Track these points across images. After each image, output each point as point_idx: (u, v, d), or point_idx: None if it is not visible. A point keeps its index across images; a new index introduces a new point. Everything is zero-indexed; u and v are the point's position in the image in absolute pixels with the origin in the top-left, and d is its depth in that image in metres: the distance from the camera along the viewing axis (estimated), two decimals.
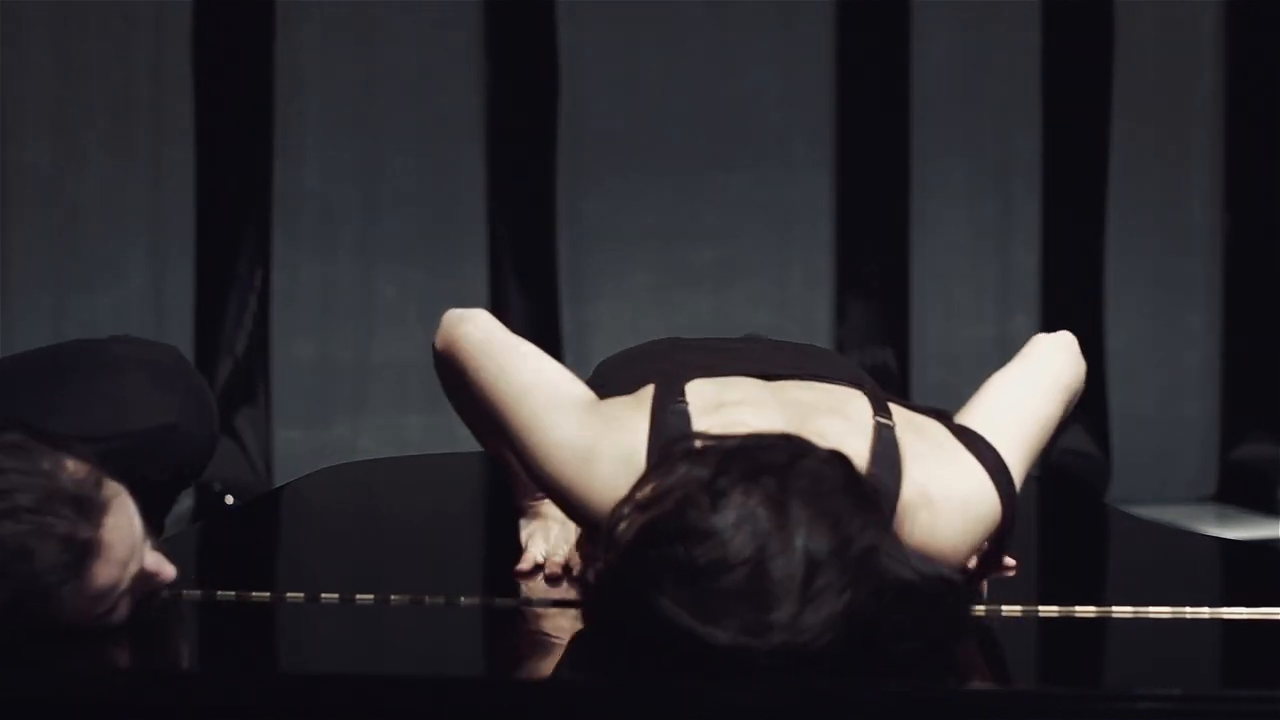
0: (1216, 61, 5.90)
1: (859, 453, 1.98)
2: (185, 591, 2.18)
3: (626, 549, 1.76)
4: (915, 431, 2.08)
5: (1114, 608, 2.05)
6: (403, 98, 5.73)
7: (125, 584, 1.88)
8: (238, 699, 1.77)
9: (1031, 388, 2.25)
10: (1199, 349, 5.95)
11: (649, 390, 2.11)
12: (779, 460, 1.78)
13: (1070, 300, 5.89)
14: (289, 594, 2.19)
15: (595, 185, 5.77)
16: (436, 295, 5.75)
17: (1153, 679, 1.72)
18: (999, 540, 2.06)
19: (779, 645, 1.70)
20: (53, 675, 1.80)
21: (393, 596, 2.12)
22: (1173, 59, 5.91)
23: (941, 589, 1.80)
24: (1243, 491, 5.86)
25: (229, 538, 2.87)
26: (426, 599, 2.12)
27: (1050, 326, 5.78)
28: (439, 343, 2.28)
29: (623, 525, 1.78)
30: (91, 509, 1.83)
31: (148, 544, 1.92)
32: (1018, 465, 2.09)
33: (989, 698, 1.70)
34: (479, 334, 2.23)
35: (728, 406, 2.08)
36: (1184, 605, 2.08)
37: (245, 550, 2.73)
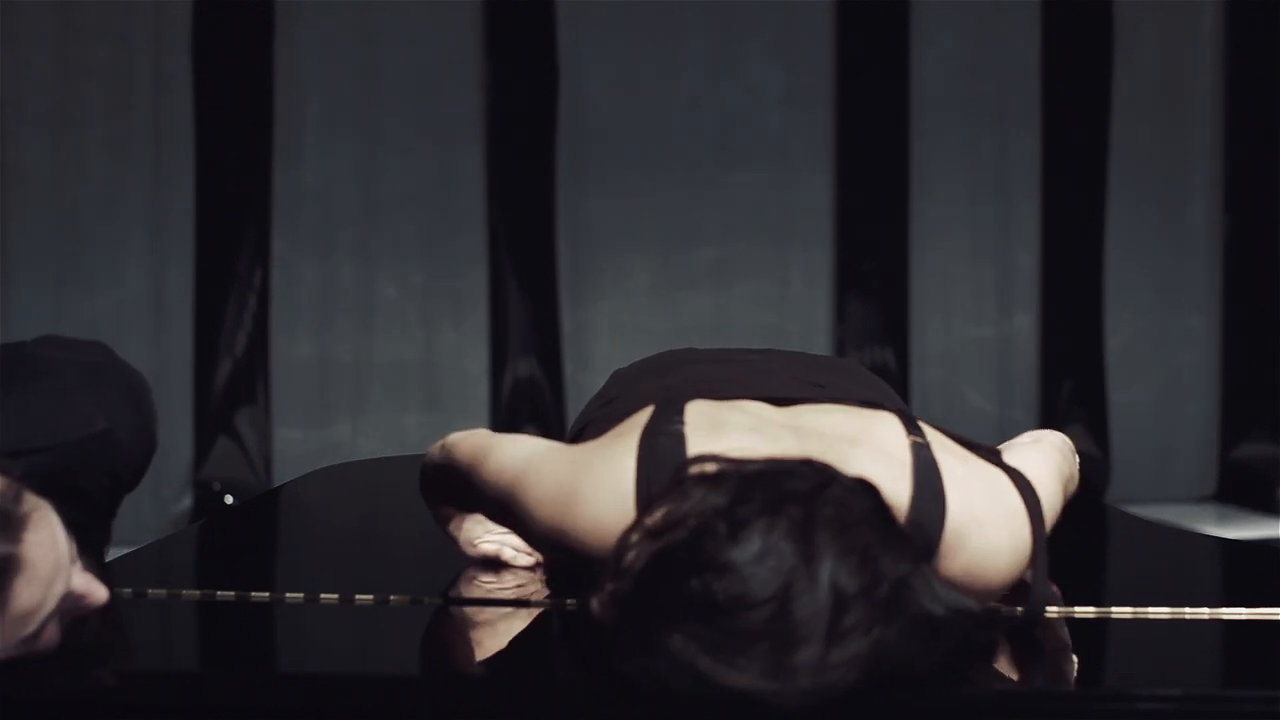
0: (1216, 61, 5.90)
1: (898, 478, 1.91)
2: (184, 591, 2.18)
3: (636, 579, 1.64)
4: (948, 451, 1.99)
5: (1113, 608, 2.05)
6: (402, 98, 5.73)
7: (50, 606, 1.74)
8: (237, 700, 1.77)
9: (1042, 457, 2.11)
10: (1198, 349, 5.95)
11: (645, 413, 2.01)
12: (803, 488, 1.66)
13: (1070, 300, 5.90)
14: (289, 594, 2.19)
15: (595, 186, 5.77)
16: (436, 295, 5.76)
17: (1152, 679, 1.71)
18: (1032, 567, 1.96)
19: (803, 689, 1.59)
20: (47, 677, 1.80)
21: (392, 597, 2.12)
22: (1172, 59, 5.91)
23: (971, 624, 1.72)
24: (1242, 491, 5.87)
25: (228, 538, 2.87)
26: (425, 599, 2.12)
27: (1050, 327, 5.84)
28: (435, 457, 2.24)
29: (631, 554, 1.66)
30: (9, 524, 1.70)
31: (76, 564, 1.79)
32: (1045, 498, 2.00)
33: (988, 698, 1.70)
34: (471, 438, 2.17)
35: (730, 430, 1.97)
36: (1183, 605, 2.08)
37: (244, 550, 2.73)
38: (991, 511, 1.93)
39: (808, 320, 5.84)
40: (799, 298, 5.88)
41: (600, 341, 5.71)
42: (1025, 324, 5.89)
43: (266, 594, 2.18)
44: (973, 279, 5.91)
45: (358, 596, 2.13)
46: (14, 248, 5.55)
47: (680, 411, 2.00)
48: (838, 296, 5.88)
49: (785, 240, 5.87)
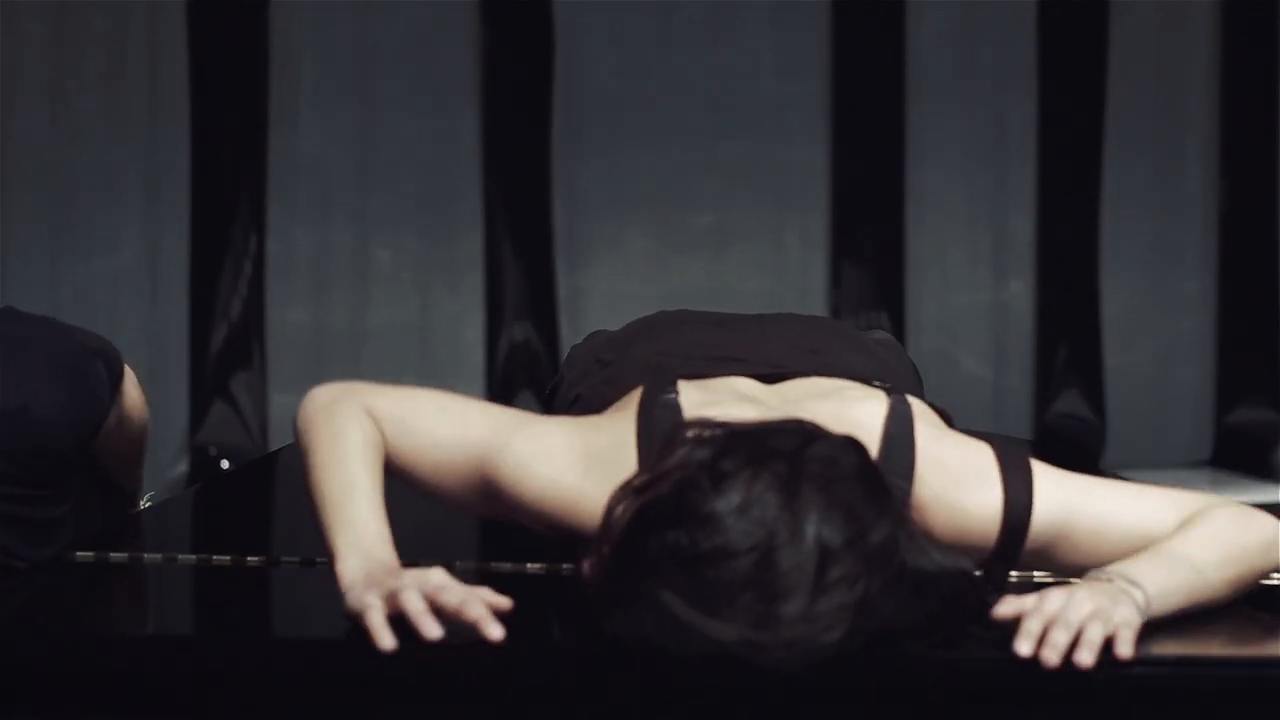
0: (1212, 28, 5.89)
1: (869, 432, 1.91)
2: (180, 556, 2.19)
3: (621, 537, 1.66)
4: (927, 421, 2.00)
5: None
6: (398, 64, 5.71)
7: None
8: (232, 664, 1.77)
9: (1132, 493, 2.00)
10: (1194, 315, 5.95)
11: (636, 394, 2.02)
12: (788, 444, 1.67)
13: (1066, 267, 5.90)
14: (284, 558, 2.19)
15: (591, 152, 5.76)
16: (432, 261, 5.76)
17: (1148, 644, 1.72)
18: (996, 563, 1.95)
19: (789, 641, 1.60)
20: (46, 640, 1.80)
21: None
22: (1169, 26, 5.89)
23: (962, 582, 1.73)
24: (1238, 456, 5.87)
25: (224, 502, 2.87)
26: (420, 563, 2.13)
27: (1046, 293, 5.83)
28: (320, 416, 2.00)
29: (618, 511, 1.68)
30: None
31: None
32: (1055, 503, 1.95)
33: (987, 665, 1.71)
34: (388, 410, 2.00)
35: (721, 400, 1.98)
36: None
37: (240, 515, 2.73)
38: (964, 469, 1.93)
39: (803, 286, 5.83)
40: (794, 263, 5.88)
41: (596, 306, 5.70)
42: (1021, 289, 5.89)
43: (262, 558, 2.18)
44: (968, 245, 5.91)
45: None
46: (10, 215, 5.54)
47: (672, 384, 2.01)
48: (833, 262, 5.87)
49: (781, 206, 5.86)
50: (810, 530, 1.61)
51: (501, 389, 5.62)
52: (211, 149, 5.61)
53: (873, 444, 1.88)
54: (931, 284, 5.88)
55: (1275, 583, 2.04)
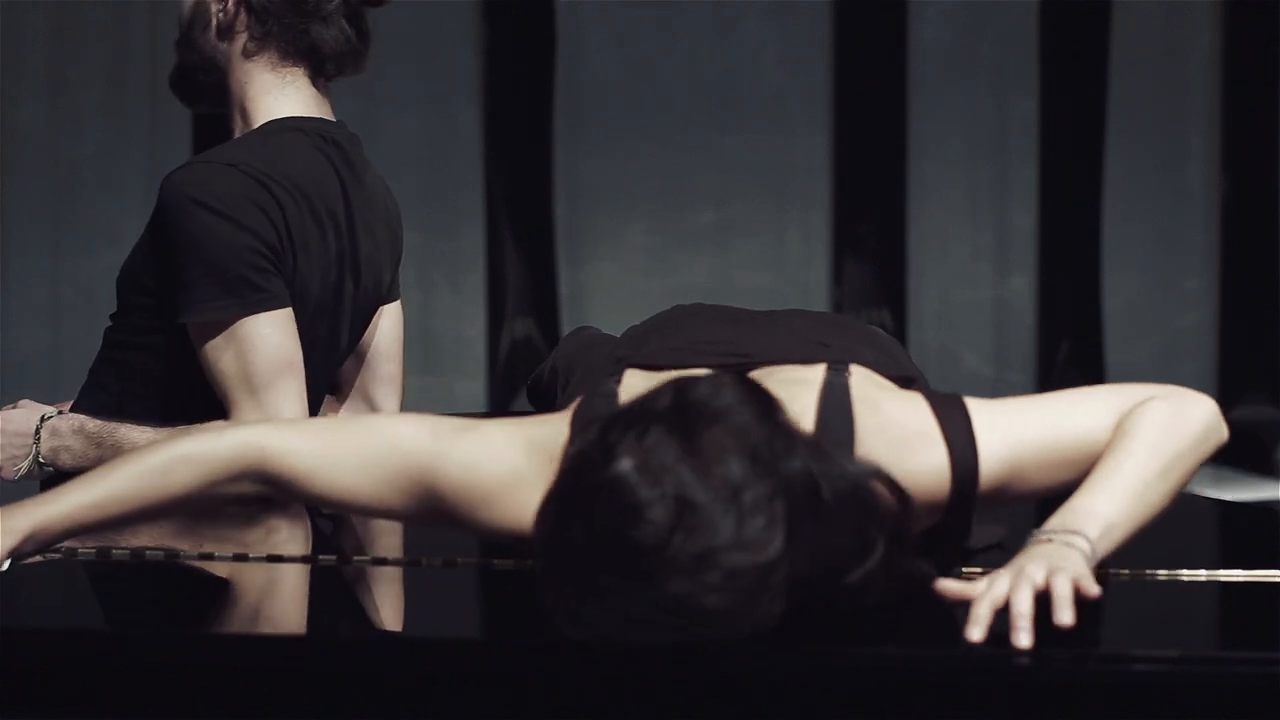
0: (1214, 23, 5.88)
1: (804, 395, 1.91)
2: (182, 552, 2.18)
3: (544, 546, 1.67)
4: (869, 381, 1.99)
5: (1111, 569, 2.05)
6: (400, 60, 5.71)
7: None
8: (235, 660, 1.77)
9: (1066, 406, 1.99)
10: (1195, 310, 5.94)
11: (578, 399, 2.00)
12: (666, 399, 1.68)
13: (1067, 262, 5.89)
14: (285, 555, 2.19)
15: (593, 147, 5.76)
16: (433, 256, 5.75)
17: (1150, 641, 1.72)
18: (953, 517, 1.94)
19: (731, 572, 1.60)
20: (47, 640, 1.80)
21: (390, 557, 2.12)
22: (1170, 20, 5.89)
23: (883, 491, 1.73)
24: (1239, 453, 5.86)
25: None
26: (423, 561, 2.13)
27: (1047, 289, 5.83)
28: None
29: (539, 525, 1.69)
30: None
31: None
32: (999, 443, 1.94)
33: (985, 659, 1.70)
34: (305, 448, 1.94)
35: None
36: (1181, 567, 2.08)
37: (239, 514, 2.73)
38: (903, 432, 1.92)
39: (805, 282, 5.83)
40: (796, 259, 5.88)
41: (597, 303, 5.71)
42: (1023, 285, 5.89)
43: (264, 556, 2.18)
44: (970, 240, 5.91)
45: (355, 559, 2.14)
46: (12, 210, 5.54)
47: (620, 373, 2.01)
48: (835, 258, 5.87)
49: (783, 202, 5.86)
50: (713, 461, 1.62)
51: (503, 385, 5.62)
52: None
53: (808, 419, 1.88)
54: (933, 279, 5.88)
55: (1275, 582, 2.04)
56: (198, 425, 1.97)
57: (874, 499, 1.72)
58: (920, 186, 5.86)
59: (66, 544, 1.97)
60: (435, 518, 1.94)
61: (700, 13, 5.79)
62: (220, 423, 1.96)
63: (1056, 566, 1.72)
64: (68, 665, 1.74)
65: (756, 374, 1.97)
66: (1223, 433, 1.99)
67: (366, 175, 2.80)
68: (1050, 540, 1.80)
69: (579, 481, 1.66)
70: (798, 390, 1.93)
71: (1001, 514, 2.18)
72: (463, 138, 5.73)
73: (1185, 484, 1.94)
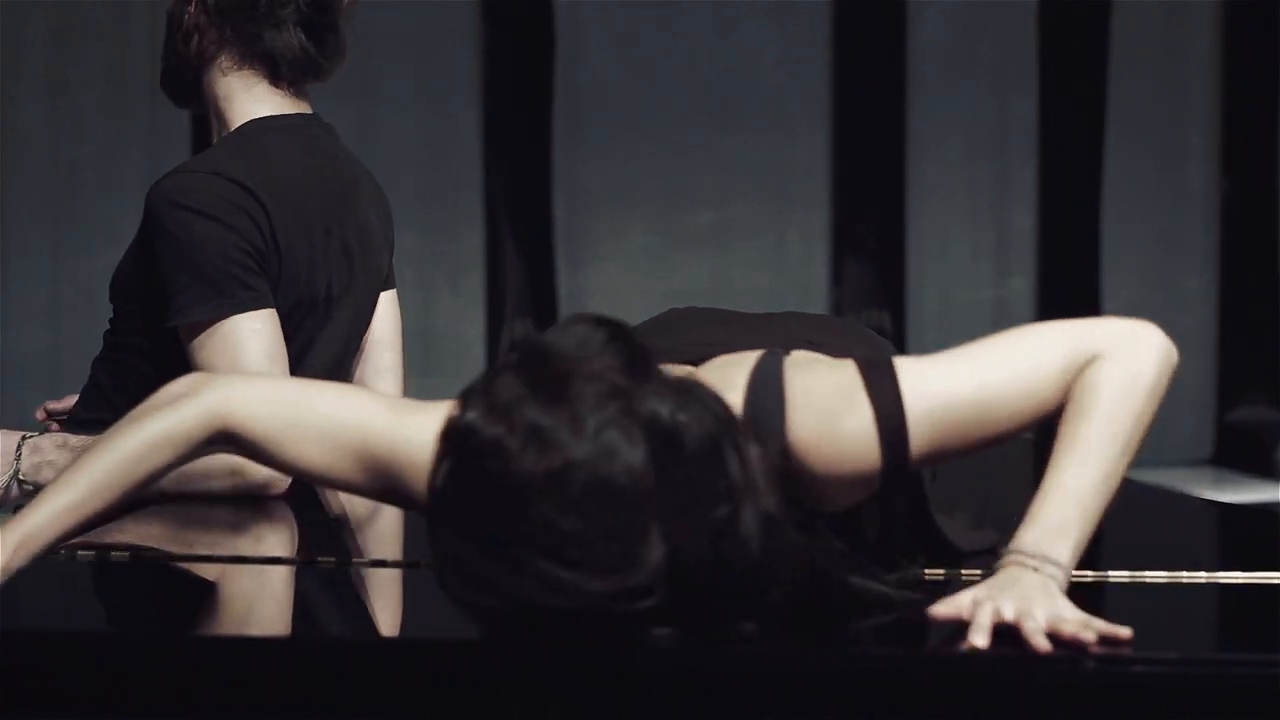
0: (1214, 23, 5.88)
1: (735, 375, 1.90)
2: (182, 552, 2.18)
3: (440, 563, 1.67)
4: (805, 354, 1.98)
5: (1110, 572, 2.05)
6: (399, 60, 5.71)
7: None
8: (233, 661, 1.77)
9: (1004, 358, 1.98)
10: (1196, 312, 5.94)
11: None
12: (508, 361, 1.69)
13: (1067, 263, 5.89)
14: (284, 556, 2.19)
15: (592, 148, 5.76)
16: (432, 257, 5.75)
17: (1149, 643, 1.72)
18: (890, 481, 1.92)
19: (593, 483, 1.59)
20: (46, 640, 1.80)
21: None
22: (1170, 20, 5.89)
23: (760, 464, 1.69)
24: (1239, 454, 5.87)
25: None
26: (422, 562, 2.13)
27: (1047, 289, 5.82)
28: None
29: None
30: None
31: None
32: (927, 401, 1.92)
33: (985, 663, 1.70)
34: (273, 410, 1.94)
35: None
36: (1180, 570, 2.08)
37: (240, 512, 2.73)
38: (831, 398, 1.90)
39: (804, 282, 5.83)
40: (796, 259, 5.87)
41: (597, 303, 5.70)
42: (1022, 286, 5.89)
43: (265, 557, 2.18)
44: (970, 240, 5.91)
45: (353, 560, 2.14)
46: (12, 210, 5.53)
47: None
48: (835, 258, 5.87)
49: (782, 202, 5.86)
50: (559, 392, 1.62)
51: None
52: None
53: (737, 393, 1.88)
54: (933, 280, 5.88)
55: (1275, 584, 2.04)
56: (159, 394, 1.94)
57: (743, 454, 1.68)
58: (920, 187, 5.86)
59: (67, 546, 1.97)
60: (393, 497, 1.95)
61: (700, 13, 5.79)
62: (179, 386, 1.93)
63: (1028, 608, 1.71)
64: (67, 666, 1.74)
65: (704, 365, 1.99)
66: (1173, 358, 1.98)
67: (349, 164, 2.87)
68: (1022, 564, 1.78)
69: (439, 469, 1.66)
70: (732, 370, 1.93)
71: (1000, 519, 2.18)
72: (462, 139, 5.72)
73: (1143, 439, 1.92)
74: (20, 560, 1.85)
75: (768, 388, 1.90)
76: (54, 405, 2.87)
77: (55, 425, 2.78)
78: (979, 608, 1.72)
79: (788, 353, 1.98)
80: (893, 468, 1.91)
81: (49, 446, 2.53)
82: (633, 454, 1.62)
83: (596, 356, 1.67)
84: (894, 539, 2.05)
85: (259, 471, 2.40)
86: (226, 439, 1.93)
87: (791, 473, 1.88)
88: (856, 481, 1.91)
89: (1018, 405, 1.92)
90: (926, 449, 1.91)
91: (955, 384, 1.93)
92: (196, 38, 2.77)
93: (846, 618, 1.76)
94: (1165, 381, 1.96)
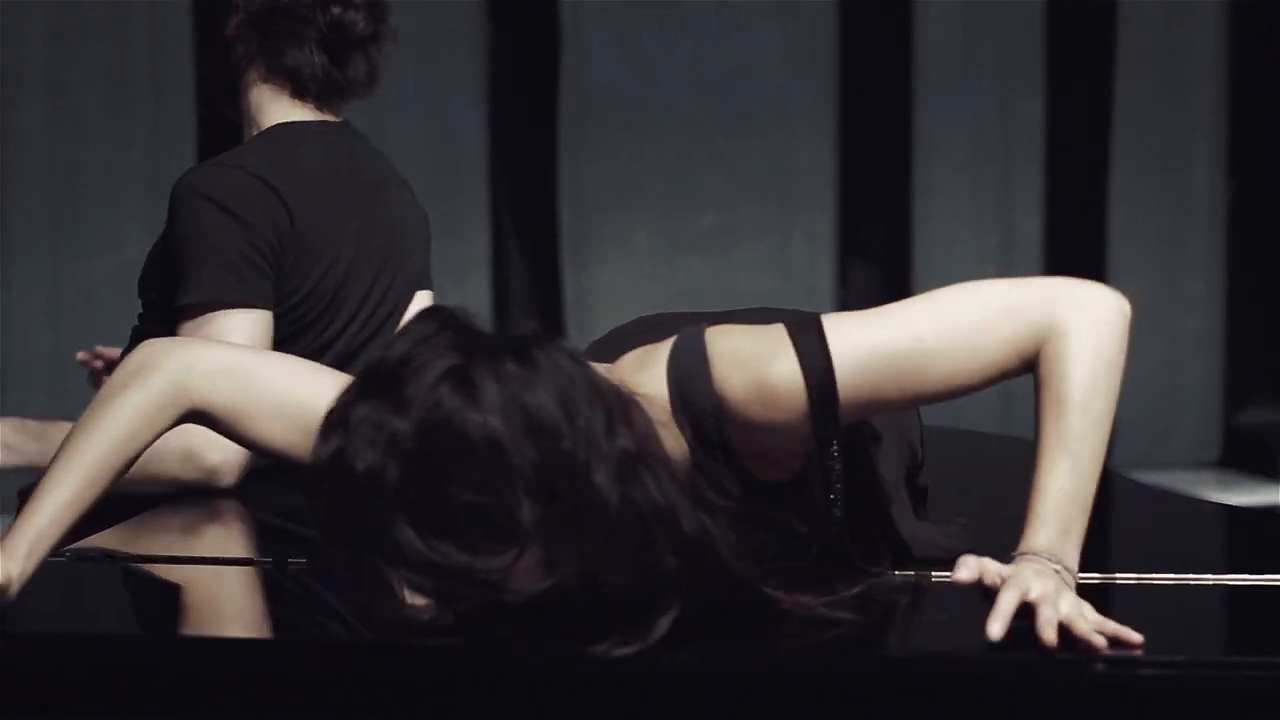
0: (1218, 25, 5.88)
1: (657, 348, 1.93)
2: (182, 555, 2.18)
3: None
4: (739, 326, 1.97)
5: (1116, 574, 2.04)
6: (404, 62, 5.67)
7: None
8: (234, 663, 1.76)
9: (932, 314, 1.98)
10: (1202, 314, 5.94)
11: None
12: (376, 358, 1.72)
13: (1072, 265, 5.87)
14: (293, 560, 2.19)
15: (597, 151, 5.76)
16: (438, 260, 5.72)
17: (1155, 646, 1.71)
18: (821, 428, 1.91)
19: (442, 445, 1.62)
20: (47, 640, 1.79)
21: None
22: (1175, 22, 5.89)
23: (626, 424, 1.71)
24: (1245, 457, 5.86)
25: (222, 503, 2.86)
26: None
27: None
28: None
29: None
30: None
31: None
32: (853, 345, 1.90)
33: (988, 661, 1.70)
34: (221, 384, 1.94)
35: None
36: (1187, 572, 2.07)
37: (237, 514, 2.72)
38: (755, 351, 1.89)
39: (810, 285, 5.83)
40: (802, 262, 5.87)
41: (603, 306, 5.70)
42: None
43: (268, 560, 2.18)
44: (975, 243, 5.90)
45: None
46: (12, 212, 5.53)
47: None
48: (840, 261, 5.87)
49: (788, 204, 5.86)
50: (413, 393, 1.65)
51: None
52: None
53: (659, 365, 1.90)
54: (938, 281, 5.79)
55: (1275, 583, 2.04)
56: (122, 367, 1.92)
57: (598, 414, 1.70)
58: (925, 189, 5.85)
59: (66, 549, 1.97)
60: None
61: (703, 13, 5.79)
62: (139, 356, 1.91)
63: (1053, 596, 1.71)
64: (66, 668, 1.75)
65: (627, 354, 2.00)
66: (1126, 313, 1.99)
67: (373, 167, 2.95)
68: (1041, 567, 1.78)
69: (315, 473, 1.68)
70: (656, 351, 1.94)
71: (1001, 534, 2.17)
72: (467, 141, 5.72)
73: None
74: (33, 566, 1.84)
75: (691, 353, 1.90)
76: (104, 351, 2.94)
77: (99, 364, 2.90)
78: (1005, 590, 1.71)
79: (703, 325, 1.97)
80: (823, 413, 1.89)
81: (6, 430, 2.56)
82: (474, 416, 1.64)
83: (427, 347, 1.69)
84: (859, 542, 2.03)
85: (208, 457, 2.47)
86: (193, 411, 1.92)
87: (725, 432, 1.88)
88: (786, 429, 1.89)
89: (957, 364, 1.93)
90: (856, 396, 1.90)
91: (887, 333, 1.92)
92: (238, 47, 2.85)
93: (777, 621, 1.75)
94: (1126, 342, 1.96)
